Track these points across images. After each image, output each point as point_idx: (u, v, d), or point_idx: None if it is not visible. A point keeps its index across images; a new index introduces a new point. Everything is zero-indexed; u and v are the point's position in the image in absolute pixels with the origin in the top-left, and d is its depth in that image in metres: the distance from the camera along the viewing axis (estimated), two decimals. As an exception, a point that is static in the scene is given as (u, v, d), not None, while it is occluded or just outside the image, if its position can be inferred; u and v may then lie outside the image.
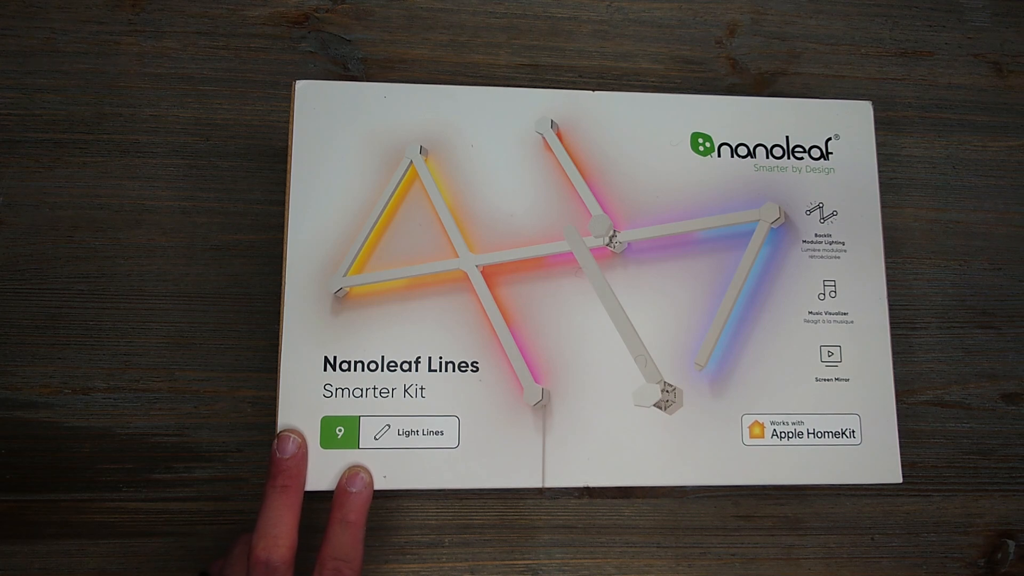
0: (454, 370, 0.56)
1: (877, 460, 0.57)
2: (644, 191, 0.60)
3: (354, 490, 0.54)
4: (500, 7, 0.73)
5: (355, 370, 0.56)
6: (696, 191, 0.60)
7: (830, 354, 0.59)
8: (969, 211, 0.73)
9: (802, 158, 0.62)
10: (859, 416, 0.58)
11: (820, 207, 0.61)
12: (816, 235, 0.60)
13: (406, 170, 0.58)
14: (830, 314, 0.59)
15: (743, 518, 0.67)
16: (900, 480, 0.58)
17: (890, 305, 0.60)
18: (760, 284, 0.59)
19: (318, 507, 0.65)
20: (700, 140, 0.61)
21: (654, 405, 0.56)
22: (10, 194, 0.66)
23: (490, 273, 0.57)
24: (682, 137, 0.61)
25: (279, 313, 0.56)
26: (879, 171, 0.62)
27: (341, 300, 0.57)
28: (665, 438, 0.56)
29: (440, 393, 0.56)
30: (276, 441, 0.54)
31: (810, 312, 0.59)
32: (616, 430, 0.56)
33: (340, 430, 0.55)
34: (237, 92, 0.70)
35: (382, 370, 0.56)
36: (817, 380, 0.58)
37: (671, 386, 0.57)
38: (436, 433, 0.55)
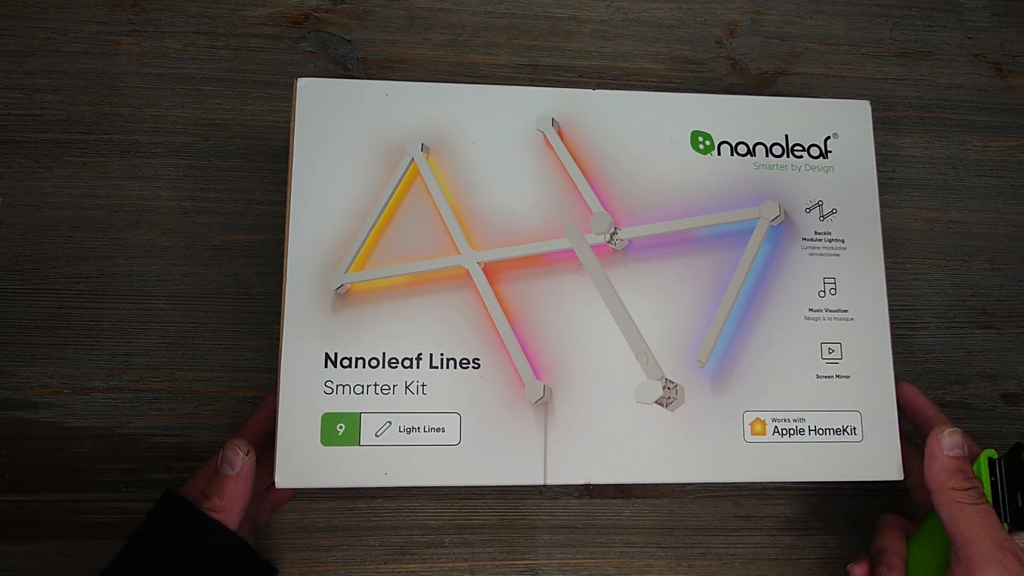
0: (455, 367, 0.56)
1: (878, 457, 0.57)
2: (645, 189, 0.60)
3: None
4: (500, 7, 0.73)
5: (356, 367, 0.56)
6: (696, 189, 0.60)
7: (831, 351, 0.59)
8: (969, 211, 0.73)
9: (801, 156, 0.62)
10: (860, 413, 0.58)
11: (819, 205, 0.61)
12: (816, 233, 0.60)
13: (407, 167, 0.58)
14: (830, 311, 0.59)
15: (743, 518, 0.67)
16: (901, 477, 0.58)
17: (890, 305, 0.60)
18: (760, 281, 0.59)
19: (318, 507, 0.65)
20: (700, 138, 0.61)
21: (655, 402, 0.56)
22: (10, 194, 0.66)
23: (491, 270, 0.58)
24: (682, 135, 0.61)
25: (279, 312, 0.56)
26: (879, 171, 0.62)
27: (342, 297, 0.57)
28: (667, 435, 0.56)
29: (441, 390, 0.56)
30: (223, 452, 0.55)
31: (810, 309, 0.59)
32: (618, 427, 0.56)
33: (341, 427, 0.55)
34: (237, 92, 0.70)
35: (383, 367, 0.56)
36: (818, 377, 0.58)
37: (672, 383, 0.57)
38: (437, 430, 0.55)
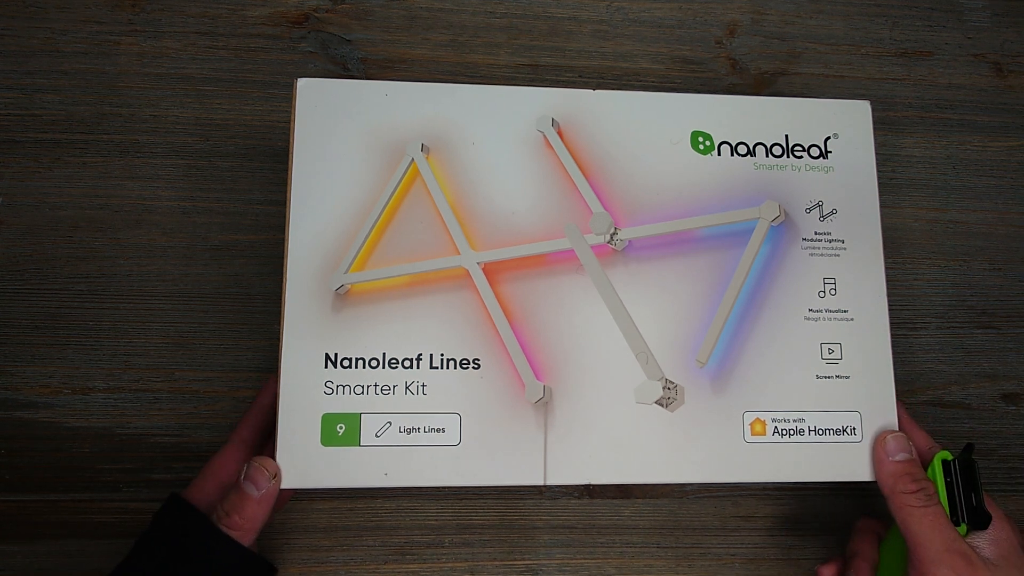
0: (455, 367, 0.56)
1: (878, 457, 0.58)
2: (645, 189, 0.60)
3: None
4: (500, 7, 0.73)
5: (356, 367, 0.56)
6: (696, 189, 0.60)
7: (830, 351, 0.59)
8: (969, 211, 0.73)
9: (801, 157, 0.62)
10: (860, 413, 0.58)
11: (820, 205, 0.61)
12: (816, 233, 0.60)
13: (407, 167, 0.58)
14: (830, 311, 0.59)
15: (743, 518, 0.67)
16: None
17: (890, 305, 0.60)
18: (760, 281, 0.59)
19: (318, 507, 0.65)
20: (700, 138, 0.61)
21: (655, 402, 0.56)
22: (10, 194, 0.66)
23: (491, 270, 0.58)
24: (682, 135, 0.61)
25: (279, 312, 0.56)
26: (879, 171, 0.62)
27: (342, 297, 0.57)
28: (667, 435, 0.56)
29: (441, 390, 0.56)
30: (248, 469, 0.54)
31: (810, 310, 0.59)
32: (618, 427, 0.56)
33: (341, 427, 0.55)
34: (237, 92, 0.70)
35: (383, 367, 0.56)
36: (818, 377, 0.58)
37: (672, 383, 0.57)
38: (438, 430, 0.55)
